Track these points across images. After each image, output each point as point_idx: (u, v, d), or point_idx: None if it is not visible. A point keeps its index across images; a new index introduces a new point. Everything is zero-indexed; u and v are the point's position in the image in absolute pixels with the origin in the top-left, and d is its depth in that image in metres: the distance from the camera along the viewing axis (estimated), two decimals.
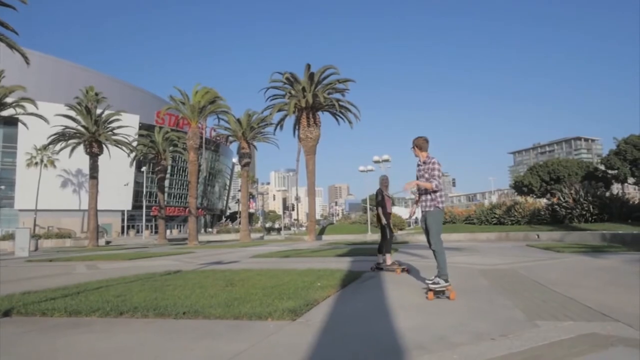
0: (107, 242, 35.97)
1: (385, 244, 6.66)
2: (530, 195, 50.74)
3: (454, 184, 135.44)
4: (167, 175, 48.09)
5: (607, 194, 18.65)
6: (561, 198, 18.40)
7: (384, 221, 6.68)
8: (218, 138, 72.15)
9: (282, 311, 3.46)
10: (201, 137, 37.58)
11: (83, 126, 29.79)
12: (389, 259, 6.60)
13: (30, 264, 11.77)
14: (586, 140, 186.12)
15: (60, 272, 8.63)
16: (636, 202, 18.01)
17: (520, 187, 60.63)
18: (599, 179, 48.47)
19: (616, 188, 49.49)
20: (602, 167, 56.47)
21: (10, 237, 29.29)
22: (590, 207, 17.08)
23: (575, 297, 3.78)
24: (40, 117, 28.65)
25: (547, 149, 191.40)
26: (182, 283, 5.63)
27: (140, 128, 46.27)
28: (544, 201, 24.55)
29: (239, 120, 31.30)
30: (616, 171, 52.49)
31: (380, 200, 6.74)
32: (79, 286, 5.55)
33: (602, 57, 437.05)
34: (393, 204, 7.81)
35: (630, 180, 53.83)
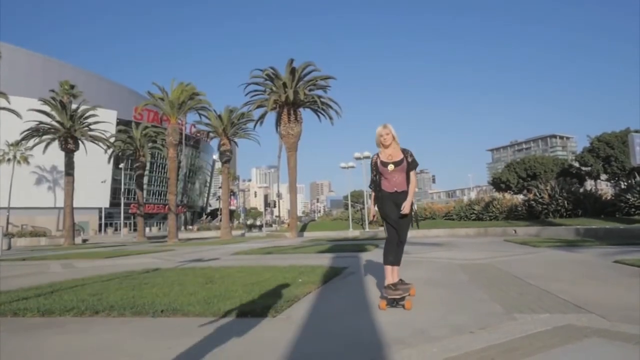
0: (84, 241, 35.20)
1: (399, 249, 3.78)
2: (508, 191, 51.76)
3: (433, 181, 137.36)
4: (146, 172, 47.16)
5: (581, 190, 19.18)
6: (537, 194, 18.83)
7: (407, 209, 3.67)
8: (198, 134, 71.35)
9: (263, 308, 3.43)
10: (181, 134, 36.99)
11: (58, 121, 29.03)
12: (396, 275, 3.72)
13: (2, 263, 11.39)
14: (561, 138, 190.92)
15: (34, 271, 8.37)
16: (609, 197, 18.56)
17: (498, 183, 61.83)
18: (574, 175, 49.89)
19: (589, 184, 50.88)
20: (577, 164, 58.05)
21: None
22: (565, 202, 17.52)
23: (551, 290, 3.86)
24: (12, 111, 27.79)
25: (524, 146, 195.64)
26: (160, 281, 5.53)
27: (118, 124, 45.29)
28: (520, 197, 25.08)
29: (219, 116, 30.97)
30: (590, 168, 54.05)
31: None
32: (53, 285, 5.39)
33: (577, 54, 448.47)
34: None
35: (603, 176, 55.51)
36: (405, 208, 3.59)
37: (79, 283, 5.59)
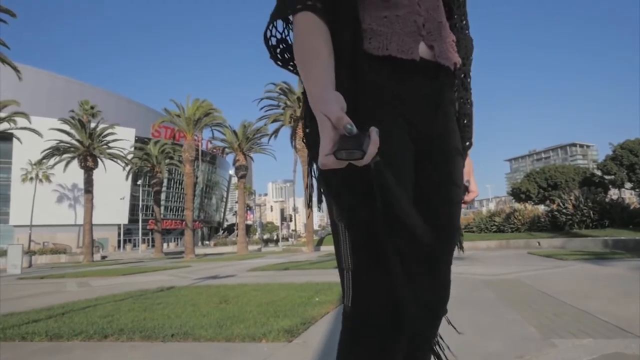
0: (103, 257, 35.55)
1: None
2: (528, 201, 50.66)
3: None
4: (164, 188, 47.73)
5: (607, 199, 18.51)
6: (561, 204, 18.24)
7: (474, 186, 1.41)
8: (214, 150, 72.11)
9: (278, 331, 3.23)
10: (197, 150, 37.38)
11: (77, 140, 29.60)
12: None
13: (21, 281, 11.45)
14: (581, 146, 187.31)
15: (50, 290, 8.34)
16: (637, 207, 17.86)
17: (517, 194, 60.55)
18: (596, 184, 48.51)
19: (613, 193, 49.46)
20: (599, 173, 56.52)
21: (3, 253, 28.87)
22: (591, 213, 16.90)
23: (588, 309, 3.56)
24: (34, 131, 28.48)
25: (543, 155, 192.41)
26: (174, 301, 5.38)
27: (136, 141, 46.10)
28: (542, 208, 24.40)
29: (234, 132, 31.20)
30: (613, 176, 52.55)
31: None
32: (66, 306, 5.29)
33: (598, 61, 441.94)
34: None
35: (628, 185, 53.91)
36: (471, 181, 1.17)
37: (92, 303, 5.48)
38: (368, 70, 0.91)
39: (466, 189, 1.13)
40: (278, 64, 0.99)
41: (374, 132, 0.68)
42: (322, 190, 0.91)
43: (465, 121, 1.09)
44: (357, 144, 0.68)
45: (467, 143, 1.11)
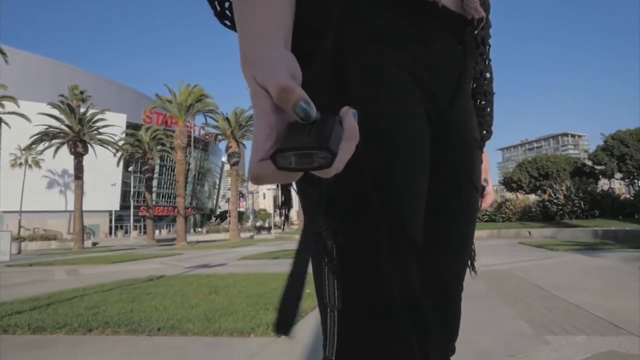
0: (94, 244, 35.35)
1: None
2: (520, 191, 51.02)
3: None
4: (155, 175, 47.39)
5: (598, 189, 18.65)
6: (552, 194, 18.34)
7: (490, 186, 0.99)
8: (207, 137, 71.59)
9: (267, 325, 3.17)
10: (189, 136, 36.99)
11: (67, 125, 29.13)
12: None
13: (8, 269, 11.29)
14: (573, 136, 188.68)
15: (38, 278, 8.22)
16: (627, 197, 18.02)
17: (509, 183, 60.99)
18: (587, 174, 48.94)
19: (603, 183, 49.97)
20: (590, 163, 57.01)
21: None
22: (582, 203, 17.03)
23: (580, 303, 3.54)
24: (23, 116, 28.00)
25: (535, 145, 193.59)
26: (163, 291, 5.30)
27: (127, 127, 45.54)
28: (533, 197, 24.56)
29: (227, 119, 30.87)
30: (603, 167, 53.05)
31: None
32: (52, 296, 5.18)
33: (588, 51, 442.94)
34: None
35: (618, 175, 54.45)
36: (489, 181, 0.91)
37: (79, 293, 5.38)
38: (366, 14, 0.61)
39: (482, 191, 0.88)
40: (226, 24, 0.65)
41: (348, 114, 0.40)
42: (299, 198, 0.65)
43: (482, 102, 0.83)
44: (318, 138, 0.37)
45: (485, 132, 0.86)
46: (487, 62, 0.83)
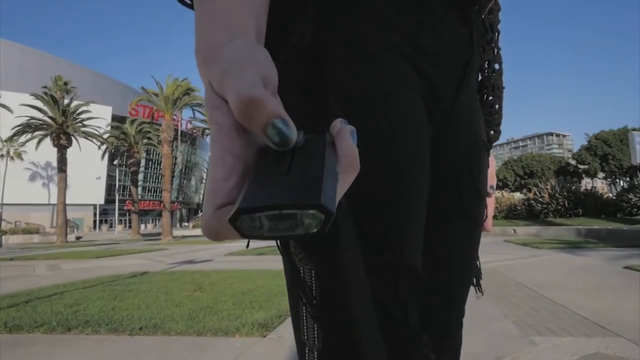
0: (78, 238, 34.77)
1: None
2: (505, 189, 51.66)
3: None
4: (141, 169, 46.81)
5: (582, 189, 18.95)
6: (537, 193, 18.58)
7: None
8: (194, 131, 70.88)
9: (252, 325, 3.11)
10: (176, 130, 36.57)
11: (50, 117, 28.51)
12: None
13: None
14: (557, 135, 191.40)
15: (18, 273, 8.02)
16: (610, 197, 18.34)
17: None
18: (571, 173, 49.80)
19: (586, 182, 50.88)
20: (574, 162, 58.04)
21: None
22: (566, 202, 17.28)
23: (566, 303, 3.56)
24: (4, 106, 27.35)
25: (521, 143, 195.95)
26: (146, 288, 5.21)
27: (113, 120, 44.82)
28: (518, 195, 24.83)
29: None
30: (587, 166, 54.06)
31: None
32: (31, 293, 5.05)
33: (573, 51, 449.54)
34: None
35: (600, 174, 55.52)
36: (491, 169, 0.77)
37: (59, 290, 5.25)
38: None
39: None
40: (186, 3, 0.47)
41: (344, 133, 0.29)
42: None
43: (490, 97, 0.71)
44: (303, 184, 0.24)
45: (492, 132, 0.72)
46: (496, 51, 0.71)
